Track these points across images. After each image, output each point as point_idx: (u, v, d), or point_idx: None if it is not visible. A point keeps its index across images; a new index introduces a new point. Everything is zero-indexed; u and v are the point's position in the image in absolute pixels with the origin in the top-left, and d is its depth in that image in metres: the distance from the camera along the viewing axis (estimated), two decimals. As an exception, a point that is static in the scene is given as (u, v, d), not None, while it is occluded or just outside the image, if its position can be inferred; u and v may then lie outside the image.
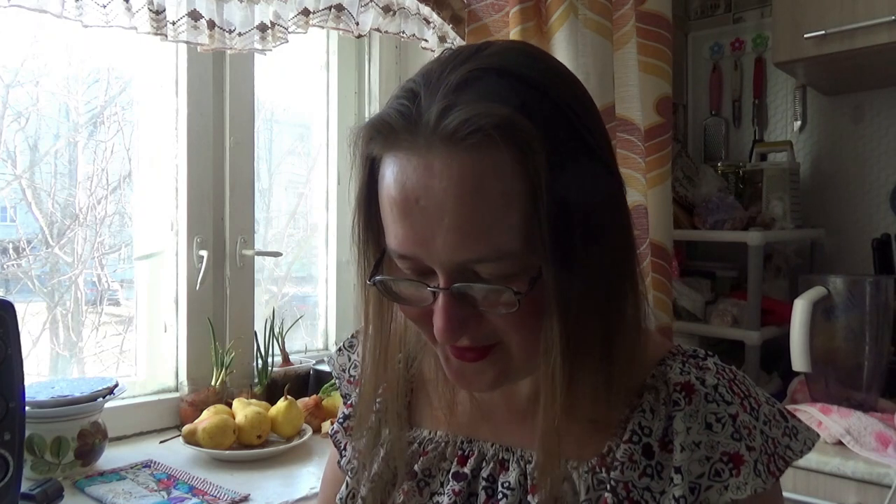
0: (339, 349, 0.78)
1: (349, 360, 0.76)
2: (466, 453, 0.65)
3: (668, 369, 0.59)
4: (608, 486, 0.56)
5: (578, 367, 0.54)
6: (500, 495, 0.61)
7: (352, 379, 0.75)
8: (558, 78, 0.56)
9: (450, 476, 0.64)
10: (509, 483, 0.61)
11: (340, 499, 0.69)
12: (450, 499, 0.62)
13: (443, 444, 0.66)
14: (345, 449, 0.72)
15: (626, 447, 0.57)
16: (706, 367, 0.59)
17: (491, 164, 0.50)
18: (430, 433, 0.67)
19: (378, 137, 0.53)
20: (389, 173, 0.53)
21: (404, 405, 0.68)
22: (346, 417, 0.73)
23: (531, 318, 0.53)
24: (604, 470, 0.57)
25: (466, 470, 0.63)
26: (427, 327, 0.56)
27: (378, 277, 0.57)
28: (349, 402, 0.74)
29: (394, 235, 0.54)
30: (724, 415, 0.57)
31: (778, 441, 0.59)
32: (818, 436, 0.64)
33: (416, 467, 0.65)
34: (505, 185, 0.50)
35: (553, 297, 0.51)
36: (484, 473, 0.63)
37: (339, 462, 0.73)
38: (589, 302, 0.53)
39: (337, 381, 0.77)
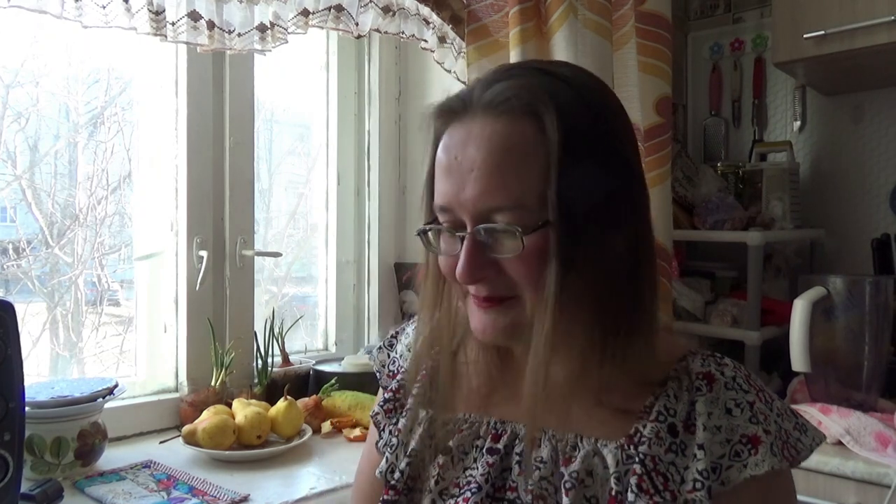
0: (380, 347, 0.86)
1: (388, 356, 0.84)
2: (499, 432, 0.70)
3: (690, 363, 0.65)
4: (637, 459, 0.61)
5: (585, 350, 0.63)
6: (533, 468, 0.65)
7: (391, 373, 0.82)
8: (597, 83, 0.68)
9: (484, 451, 0.69)
10: (542, 457, 0.65)
11: (380, 472, 0.74)
12: (483, 470, 0.67)
13: (477, 424, 0.71)
14: (383, 430, 0.77)
15: (652, 426, 0.62)
16: (724, 363, 0.65)
17: (517, 132, 0.61)
18: (465, 414, 0.72)
19: (442, 116, 0.66)
20: (443, 142, 0.65)
21: (444, 389, 0.73)
22: (385, 401, 0.79)
23: (539, 267, 0.60)
24: (632, 447, 0.62)
25: (500, 446, 0.68)
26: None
27: (424, 227, 0.68)
28: (388, 388, 0.80)
29: (438, 191, 0.65)
30: (742, 401, 0.62)
31: (790, 433, 0.63)
32: (824, 437, 0.67)
33: (451, 443, 0.71)
34: (527, 150, 0.61)
35: (554, 245, 0.60)
36: (517, 450, 0.68)
37: (376, 444, 0.78)
38: (591, 269, 0.61)
39: (377, 374, 0.84)
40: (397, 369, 0.81)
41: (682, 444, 0.61)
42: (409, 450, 0.72)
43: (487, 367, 0.73)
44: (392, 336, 0.85)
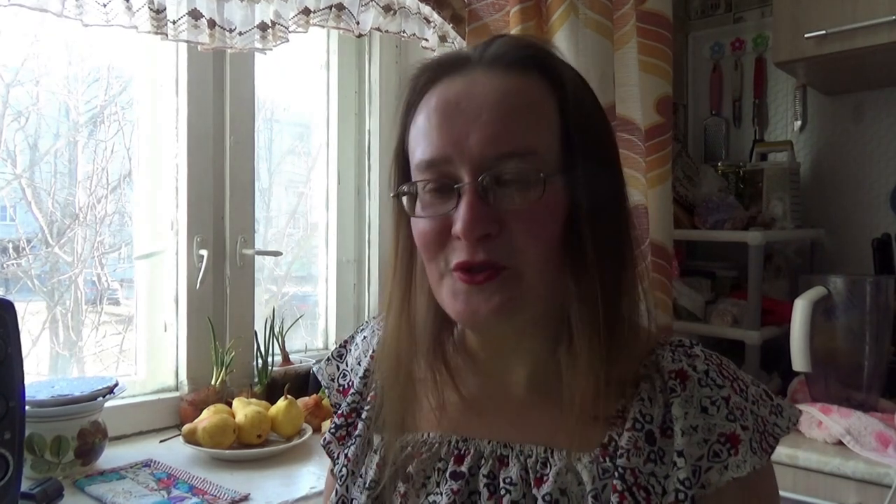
0: (328, 359, 0.78)
1: (338, 369, 0.76)
2: (462, 452, 0.64)
3: (660, 358, 0.61)
4: (615, 474, 0.57)
5: (558, 349, 0.61)
6: (502, 491, 0.60)
7: (341, 388, 0.75)
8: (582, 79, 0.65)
9: (447, 475, 0.63)
10: (511, 478, 0.60)
11: None
12: (448, 498, 0.61)
13: (436, 444, 0.65)
14: (338, 458, 0.71)
15: (629, 435, 0.58)
16: (695, 354, 0.62)
17: (528, 84, 0.59)
18: (422, 435, 0.66)
19: (430, 71, 0.61)
20: (432, 96, 0.60)
21: (397, 409, 0.67)
22: (337, 427, 0.72)
23: (545, 227, 0.57)
24: (608, 459, 0.58)
25: (464, 468, 0.63)
26: (442, 245, 0.59)
27: (402, 187, 0.62)
28: (339, 412, 0.73)
29: (426, 145, 0.59)
30: (717, 397, 0.59)
31: (766, 419, 0.61)
32: (800, 412, 0.65)
33: (410, 469, 0.65)
34: (538, 101, 0.58)
35: (565, 199, 0.58)
36: (483, 471, 0.62)
37: (331, 471, 0.73)
38: (593, 227, 0.59)
39: (326, 390, 0.77)
40: (348, 384, 0.74)
41: (661, 451, 0.58)
42: (368, 481, 0.66)
43: (439, 383, 0.65)
44: (341, 346, 0.78)
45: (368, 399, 0.69)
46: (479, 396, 0.66)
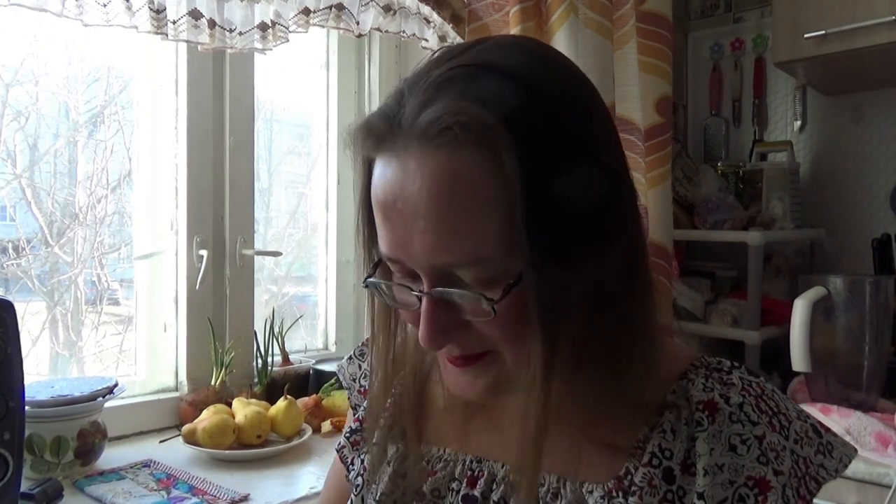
0: (350, 357, 0.75)
1: (360, 368, 0.73)
2: (476, 473, 0.61)
3: (691, 385, 0.55)
4: None
5: (572, 379, 0.52)
6: None
7: (362, 389, 0.72)
8: (557, 73, 0.53)
9: (459, 498, 0.61)
10: None
11: None
12: None
13: (452, 462, 0.63)
14: (352, 464, 0.69)
15: (644, 471, 0.53)
16: (731, 382, 0.55)
17: (464, 166, 0.48)
18: (438, 450, 0.64)
19: (369, 139, 0.52)
20: (376, 176, 0.52)
21: (413, 420, 0.64)
22: (352, 431, 0.70)
23: (517, 326, 0.50)
24: (621, 494, 0.53)
25: (476, 493, 0.60)
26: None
27: (371, 280, 0.56)
28: (357, 416, 0.71)
29: (381, 238, 0.53)
30: (749, 436, 0.52)
31: (810, 461, 0.55)
32: (856, 451, 0.60)
33: (424, 487, 0.62)
34: (479, 188, 0.48)
35: (534, 305, 0.48)
36: (495, 497, 0.59)
37: (347, 477, 0.71)
38: (581, 310, 0.51)
39: (347, 391, 0.75)
40: (370, 385, 0.69)
41: (681, 491, 0.52)
42: (379, 494, 0.63)
43: (459, 397, 0.61)
44: (363, 344, 0.74)
45: (387, 405, 0.66)
46: (498, 412, 0.62)
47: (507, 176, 0.47)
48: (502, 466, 0.60)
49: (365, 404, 0.69)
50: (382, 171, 0.51)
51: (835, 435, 0.58)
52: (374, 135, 0.52)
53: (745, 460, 0.52)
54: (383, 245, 0.53)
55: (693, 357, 0.59)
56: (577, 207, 0.49)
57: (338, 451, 0.71)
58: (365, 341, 0.74)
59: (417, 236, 0.49)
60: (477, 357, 0.54)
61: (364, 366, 0.73)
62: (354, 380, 0.74)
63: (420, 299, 0.52)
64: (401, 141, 0.50)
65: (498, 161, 0.47)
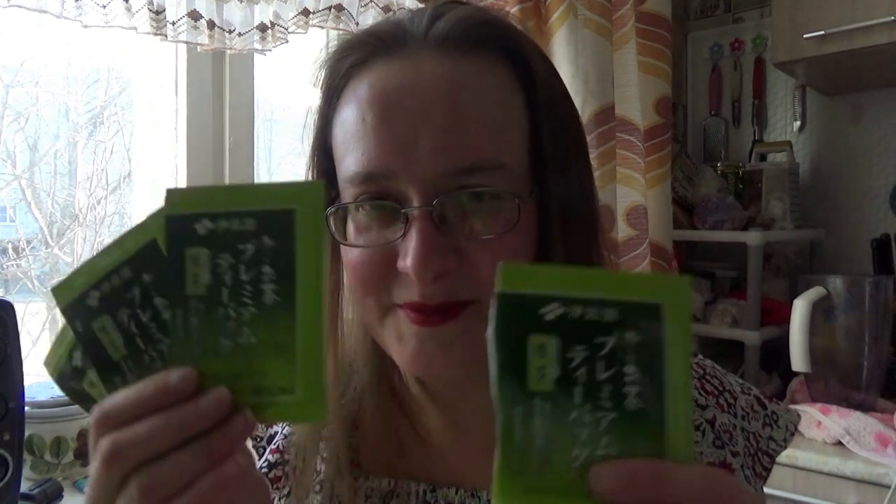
0: None
1: None
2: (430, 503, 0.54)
3: None
4: None
5: None
6: None
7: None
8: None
9: None
10: None
11: None
12: None
13: (402, 494, 0.54)
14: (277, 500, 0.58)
15: None
16: None
17: (487, 69, 0.45)
18: (387, 482, 0.55)
19: (353, 53, 0.47)
20: (362, 87, 0.46)
21: (347, 446, 0.55)
22: (271, 466, 0.58)
23: (519, 255, 0.45)
24: None
25: None
26: (384, 280, 0.46)
27: (340, 203, 0.47)
28: (276, 446, 0.59)
29: (360, 153, 0.45)
30: (701, 421, 0.52)
31: (759, 435, 0.55)
32: (799, 416, 0.60)
33: None
34: (505, 96, 0.45)
35: (543, 220, 0.45)
36: None
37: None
38: (573, 230, 0.49)
39: None
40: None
41: None
42: None
43: (395, 421, 0.55)
44: None
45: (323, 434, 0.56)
46: (442, 435, 0.55)
47: (529, 90, 0.46)
48: (456, 493, 0.54)
49: (285, 431, 0.59)
50: (379, 77, 0.45)
51: (777, 403, 0.58)
52: (361, 46, 0.47)
53: (703, 447, 0.51)
54: (364, 160, 0.45)
55: None
56: (577, 131, 0.50)
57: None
58: None
59: (428, 134, 0.43)
60: (457, 309, 0.45)
61: None
62: None
63: (408, 221, 0.44)
64: (408, 48, 0.45)
65: (523, 75, 0.46)
